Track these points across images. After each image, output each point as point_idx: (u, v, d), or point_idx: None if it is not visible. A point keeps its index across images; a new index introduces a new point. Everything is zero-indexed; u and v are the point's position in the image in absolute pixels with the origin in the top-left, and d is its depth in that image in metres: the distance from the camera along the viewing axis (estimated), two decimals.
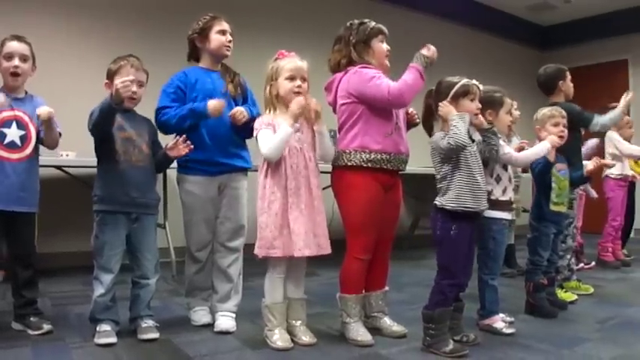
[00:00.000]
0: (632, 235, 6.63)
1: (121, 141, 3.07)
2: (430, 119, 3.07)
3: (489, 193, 3.27)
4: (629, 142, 5.96)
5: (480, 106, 3.02)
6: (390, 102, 3.00)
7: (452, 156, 2.90)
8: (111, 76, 3.08)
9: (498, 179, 3.33)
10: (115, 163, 3.04)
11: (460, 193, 2.87)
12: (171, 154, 3.17)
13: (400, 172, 3.24)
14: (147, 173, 3.18)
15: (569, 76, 4.40)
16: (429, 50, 3.01)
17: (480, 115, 3.09)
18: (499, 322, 3.27)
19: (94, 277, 3.05)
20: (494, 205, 3.28)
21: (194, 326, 3.32)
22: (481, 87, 3.03)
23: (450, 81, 2.99)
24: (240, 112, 3.24)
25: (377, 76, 3.05)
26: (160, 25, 5.77)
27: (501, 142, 3.32)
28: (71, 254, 5.01)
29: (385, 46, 3.22)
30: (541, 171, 3.67)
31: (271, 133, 2.93)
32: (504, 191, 3.34)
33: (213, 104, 3.13)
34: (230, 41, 3.36)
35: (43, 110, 3.03)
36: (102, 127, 2.98)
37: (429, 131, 3.07)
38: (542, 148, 3.48)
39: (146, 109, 3.26)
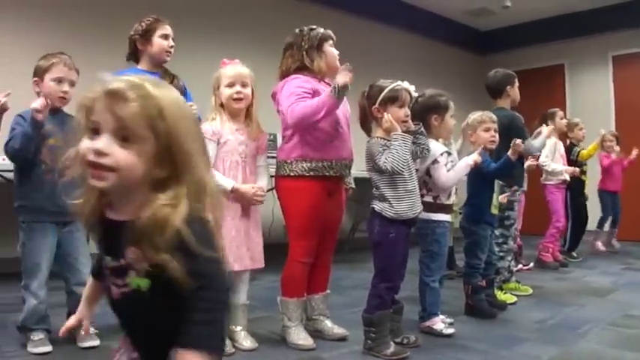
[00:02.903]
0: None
1: (48, 149, 2.88)
2: (367, 121, 3.04)
3: (436, 197, 3.31)
4: (580, 143, 6.30)
5: (408, 113, 2.97)
6: (288, 122, 2.99)
7: None
8: (41, 73, 2.93)
9: None
10: (41, 174, 2.88)
11: (397, 202, 2.88)
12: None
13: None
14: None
15: (517, 83, 4.48)
16: (344, 76, 2.85)
17: (410, 122, 2.99)
18: (439, 323, 3.30)
19: (22, 286, 2.93)
20: (440, 208, 3.33)
21: None
22: (412, 89, 2.97)
23: (381, 85, 2.95)
24: None
25: (295, 92, 2.98)
26: (95, 25, 5.60)
27: (449, 159, 3.33)
28: (6, 260, 4.84)
29: (335, 51, 3.21)
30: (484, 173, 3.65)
31: (215, 146, 2.93)
32: (449, 195, 3.39)
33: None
34: (172, 46, 3.30)
35: None
36: (26, 153, 2.81)
37: (368, 132, 3.05)
38: (464, 166, 3.37)
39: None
